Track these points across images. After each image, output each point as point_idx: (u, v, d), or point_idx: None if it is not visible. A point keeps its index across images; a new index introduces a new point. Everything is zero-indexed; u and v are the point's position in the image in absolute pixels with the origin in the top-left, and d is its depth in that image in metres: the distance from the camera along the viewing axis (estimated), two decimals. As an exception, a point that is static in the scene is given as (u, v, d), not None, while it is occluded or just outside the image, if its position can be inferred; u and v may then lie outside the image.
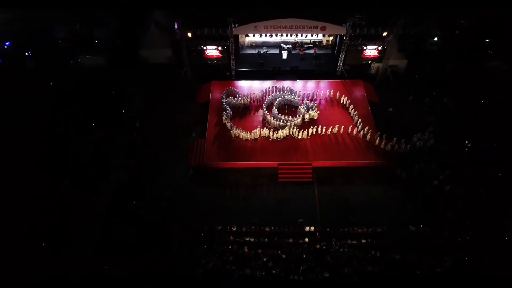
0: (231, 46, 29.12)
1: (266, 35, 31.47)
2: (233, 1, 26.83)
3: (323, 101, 28.70)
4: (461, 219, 21.07)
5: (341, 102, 28.48)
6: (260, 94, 28.39)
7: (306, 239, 20.45)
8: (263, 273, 18.88)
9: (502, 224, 20.66)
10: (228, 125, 26.01)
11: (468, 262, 19.38)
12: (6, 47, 33.36)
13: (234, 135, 25.63)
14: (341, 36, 29.08)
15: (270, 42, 33.14)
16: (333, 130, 25.72)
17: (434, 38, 33.61)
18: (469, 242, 20.06)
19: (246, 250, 19.98)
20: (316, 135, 25.75)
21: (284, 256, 19.63)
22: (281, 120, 25.91)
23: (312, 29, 28.02)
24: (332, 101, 28.87)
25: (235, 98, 27.98)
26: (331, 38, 32.53)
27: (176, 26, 31.88)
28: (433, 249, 19.87)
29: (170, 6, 29.80)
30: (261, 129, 25.48)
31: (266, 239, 20.49)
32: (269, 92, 28.44)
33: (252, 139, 25.48)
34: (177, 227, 20.84)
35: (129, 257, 19.10)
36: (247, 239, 20.55)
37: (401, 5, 28.48)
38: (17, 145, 24.62)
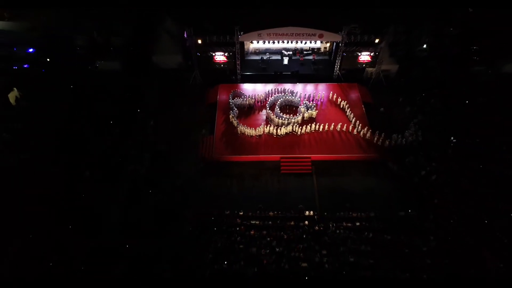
0: (237, 52, 31.68)
1: (269, 42, 33.97)
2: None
3: (320, 102, 30.98)
4: (445, 204, 23.20)
5: (338, 103, 30.83)
6: (263, 95, 30.79)
7: (306, 222, 22.56)
8: (268, 251, 20.97)
9: (482, 208, 22.81)
10: (235, 123, 28.33)
11: (451, 242, 21.45)
12: (29, 53, 35.91)
13: (240, 131, 27.94)
14: (337, 43, 31.63)
15: (273, 49, 35.69)
16: (330, 127, 28.00)
17: (423, 45, 36.19)
18: (452, 225, 22.16)
19: (253, 232, 22.07)
20: (315, 132, 28.02)
21: (286, 237, 21.73)
22: (283, 118, 28.22)
23: (310, 37, 30.59)
24: (330, 102, 31.21)
25: (241, 99, 30.36)
26: (328, 45, 35.03)
27: (185, 35, 34.61)
28: (419, 230, 21.98)
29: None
30: (265, 126, 27.79)
31: (270, 222, 22.59)
32: (271, 94, 30.83)
33: (257, 135, 27.75)
34: (190, 212, 22.94)
35: (147, 238, 21.25)
36: (253, 222, 22.65)
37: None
38: (44, 141, 26.96)
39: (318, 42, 34.58)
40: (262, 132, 27.84)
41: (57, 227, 21.66)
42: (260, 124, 28.04)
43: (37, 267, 19.77)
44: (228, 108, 29.85)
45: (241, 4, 28.66)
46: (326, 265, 20.39)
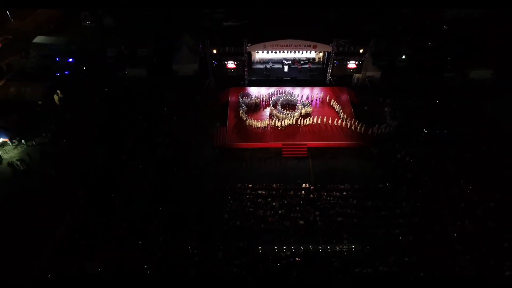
0: (245, 61, 37.31)
1: (272, 52, 39.11)
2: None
3: (315, 102, 36.26)
4: (416, 179, 28.12)
5: (330, 103, 36.11)
6: (267, 96, 36.17)
7: (303, 192, 27.40)
8: (272, 212, 25.80)
9: (445, 182, 27.75)
10: (244, 117, 33.59)
11: (420, 208, 26.26)
12: (69, 62, 41.69)
13: (248, 124, 33.15)
14: (329, 53, 37.27)
15: (275, 59, 41.32)
16: (323, 121, 33.19)
17: (402, 56, 41.94)
18: (420, 194, 27.02)
19: (259, 200, 26.90)
20: (310, 124, 33.22)
21: (286, 202, 26.58)
22: (284, 113, 33.49)
23: (306, 47, 36.29)
24: (323, 102, 36.46)
25: (248, 99, 35.73)
26: (321, 54, 40.61)
27: (200, 47, 40.53)
28: (394, 198, 26.84)
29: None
30: (269, 120, 33.08)
31: (273, 192, 27.45)
32: (274, 95, 36.16)
33: (262, 127, 32.95)
34: (210, 185, 27.85)
35: (175, 203, 26.16)
36: (260, 192, 27.51)
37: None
38: (86, 133, 32.24)
39: (313, 53, 40.16)
40: (266, 124, 33.03)
41: (101, 198, 26.64)
42: (265, 118, 33.30)
43: (88, 227, 24.65)
44: (237, 106, 35.15)
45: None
46: (319, 223, 25.19)
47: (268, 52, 38.42)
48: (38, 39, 43.21)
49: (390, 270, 22.50)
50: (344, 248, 23.13)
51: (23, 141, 31.59)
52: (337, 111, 34.77)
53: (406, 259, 23.07)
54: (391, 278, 21.90)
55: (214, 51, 36.86)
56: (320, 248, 23.05)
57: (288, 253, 23.23)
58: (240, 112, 34.08)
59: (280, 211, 25.96)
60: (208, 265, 22.47)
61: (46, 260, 22.67)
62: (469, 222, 25.04)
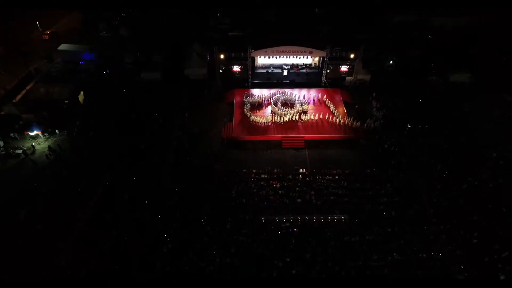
0: (249, 65, 41.44)
1: (273, 57, 43.25)
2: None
3: (311, 101, 40.18)
4: (399, 164, 31.80)
5: (325, 102, 40.03)
6: (268, 95, 40.15)
7: (300, 176, 31.06)
8: (273, 192, 29.42)
9: (423, 167, 31.39)
10: (248, 114, 37.48)
11: (402, 188, 29.85)
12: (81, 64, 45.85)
13: (252, 120, 36.99)
14: (323, 58, 41.40)
15: (275, 64, 45.45)
16: (319, 117, 37.03)
17: (390, 62, 46.12)
18: (402, 177, 30.66)
19: (262, 182, 30.55)
20: (307, 120, 37.05)
21: (286, 184, 30.22)
22: (284, 111, 37.38)
23: (303, 53, 40.48)
24: (319, 102, 40.37)
25: (252, 98, 39.71)
26: (317, 59, 44.70)
27: (208, 54, 44.80)
28: (380, 180, 30.47)
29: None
30: (271, 116, 36.99)
31: (274, 176, 31.11)
32: (275, 95, 40.13)
33: (264, 122, 36.81)
34: (219, 170, 31.56)
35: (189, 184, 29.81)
36: (263, 176, 31.18)
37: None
38: (107, 128, 36.10)
39: (310, 58, 44.28)
40: (268, 120, 36.90)
41: (124, 180, 30.33)
42: (267, 115, 37.21)
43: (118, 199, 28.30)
44: (242, 104, 39.07)
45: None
46: (314, 200, 28.78)
47: (269, 57, 42.58)
48: (62, 46, 47.50)
49: (375, 239, 25.98)
50: (335, 218, 26.62)
51: (57, 130, 35.44)
52: (331, 109, 38.62)
53: (389, 229, 26.58)
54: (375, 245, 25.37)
55: (222, 56, 40.99)
56: (314, 219, 26.54)
57: (288, 224, 26.76)
58: (245, 109, 38.00)
59: (280, 192, 29.58)
60: (218, 233, 25.97)
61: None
62: (444, 200, 28.61)
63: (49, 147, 33.71)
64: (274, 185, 29.98)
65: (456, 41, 50.05)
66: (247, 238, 25.80)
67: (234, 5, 52.61)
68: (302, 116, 37.15)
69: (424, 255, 25.03)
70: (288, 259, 24.39)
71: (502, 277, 23.54)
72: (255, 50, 39.91)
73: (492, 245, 25.31)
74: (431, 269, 24.13)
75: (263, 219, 26.66)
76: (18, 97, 40.74)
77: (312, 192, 29.36)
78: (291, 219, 26.75)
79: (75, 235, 25.80)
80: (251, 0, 50.50)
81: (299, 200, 28.85)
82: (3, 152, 33.57)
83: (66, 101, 39.89)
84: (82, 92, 41.28)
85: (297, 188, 29.74)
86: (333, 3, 52.45)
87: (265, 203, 28.63)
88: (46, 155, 33.27)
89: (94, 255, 24.30)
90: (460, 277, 23.56)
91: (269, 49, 39.91)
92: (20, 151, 33.51)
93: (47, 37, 53.73)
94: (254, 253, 24.76)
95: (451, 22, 54.96)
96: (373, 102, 38.04)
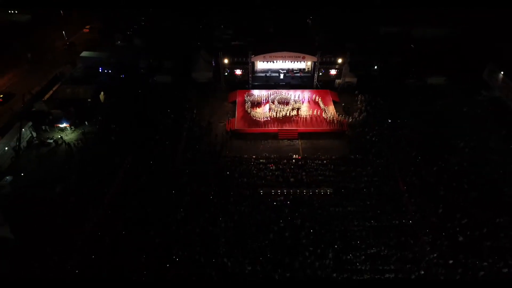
0: (250, 69, 46.49)
1: (270, 62, 48.20)
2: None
3: (305, 101, 45.04)
4: (379, 151, 36.39)
5: (316, 101, 44.86)
6: (267, 95, 45.04)
7: (293, 160, 35.62)
8: (270, 173, 33.93)
9: (401, 154, 35.96)
10: (249, 110, 42.27)
11: (380, 171, 34.35)
12: (109, 72, 51.00)
13: (252, 115, 41.75)
14: (315, 63, 46.47)
15: (273, 69, 50.43)
16: (312, 113, 41.76)
17: (374, 67, 51.23)
18: (382, 162, 35.19)
19: (261, 166, 35.08)
20: (300, 116, 41.78)
21: (281, 167, 34.75)
22: (280, 107, 42.18)
23: (297, 58, 45.60)
24: (311, 100, 45.22)
25: (252, 97, 44.59)
26: (309, 64, 49.69)
27: (213, 62, 49.95)
28: (362, 165, 34.99)
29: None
30: (269, 112, 41.77)
31: (271, 160, 35.67)
32: (272, 94, 45.02)
33: (263, 117, 41.57)
34: (224, 156, 36.15)
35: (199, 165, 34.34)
36: (261, 161, 35.72)
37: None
38: (126, 122, 40.83)
39: (303, 63, 49.39)
40: (267, 116, 41.66)
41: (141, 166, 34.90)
42: (265, 111, 42.02)
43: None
44: (244, 102, 43.92)
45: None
46: (305, 179, 33.25)
47: (267, 62, 47.68)
48: (84, 53, 52.74)
49: (356, 210, 30.38)
50: (322, 192, 31.10)
51: (86, 122, 40.31)
52: (322, 107, 43.43)
53: (368, 202, 31.00)
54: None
55: (226, 61, 46.12)
56: (304, 192, 31.02)
57: (282, 197, 31.21)
58: (246, 106, 42.84)
59: (276, 173, 34.11)
60: (223, 205, 30.38)
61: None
62: (416, 179, 33.10)
63: (81, 136, 38.58)
64: (271, 168, 34.51)
65: (434, 49, 55.32)
66: (248, 208, 30.19)
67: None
68: (296, 112, 41.92)
69: (397, 221, 29.39)
70: (282, 224, 28.74)
71: (460, 238, 27.83)
72: (255, 55, 44.99)
73: (454, 215, 29.69)
74: (401, 233, 28.42)
75: (261, 192, 31.10)
76: (47, 96, 45.63)
77: (304, 173, 33.86)
78: (285, 192, 31.21)
79: (103, 205, 30.21)
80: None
81: (292, 179, 33.32)
82: (37, 142, 38.29)
83: (89, 100, 44.78)
84: (102, 92, 46.13)
85: (290, 170, 34.21)
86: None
87: (263, 181, 33.08)
88: (74, 143, 37.93)
89: (120, 220, 28.73)
90: (425, 238, 27.81)
91: (267, 55, 45.03)
92: (51, 141, 38.19)
93: (66, 46, 59.14)
94: (253, 219, 29.12)
95: (430, 33, 60.37)
96: (358, 96, 43.01)
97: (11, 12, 73.82)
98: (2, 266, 25.02)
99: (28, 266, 24.85)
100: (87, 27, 66.60)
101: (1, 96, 45.21)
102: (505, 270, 25.58)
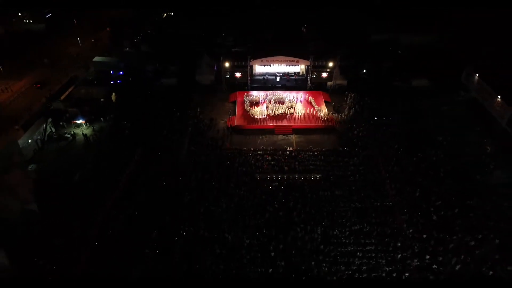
0: (248, 72, 50.40)
1: (267, 66, 52.09)
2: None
3: (299, 100, 48.85)
4: (365, 145, 39.99)
5: (309, 101, 48.64)
6: (264, 96, 48.85)
7: (288, 152, 39.20)
8: (267, 163, 37.48)
9: (384, 145, 39.55)
10: (248, 108, 46.04)
11: (366, 161, 37.89)
12: (120, 75, 54.94)
13: (251, 113, 45.48)
14: (308, 66, 50.42)
15: (270, 72, 54.33)
16: (306, 111, 45.48)
17: (364, 70, 55.18)
18: (367, 153, 38.75)
19: (258, 156, 38.65)
20: (295, 114, 45.50)
21: (276, 157, 38.32)
22: (276, 106, 45.94)
23: (292, 62, 49.58)
24: (304, 100, 49.02)
25: (251, 97, 48.37)
26: (303, 67, 53.58)
27: (215, 67, 53.94)
28: (349, 156, 38.57)
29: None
30: (266, 110, 45.53)
31: (268, 152, 39.23)
32: (269, 95, 48.84)
33: (261, 115, 45.28)
34: (225, 147, 39.78)
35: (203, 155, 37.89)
36: (259, 152, 39.27)
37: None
38: (135, 118, 44.55)
39: (298, 67, 53.33)
40: (264, 114, 45.39)
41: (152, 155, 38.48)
42: (263, 110, 45.80)
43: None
44: (243, 102, 47.68)
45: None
46: (297, 168, 36.78)
47: (265, 66, 51.65)
48: (97, 58, 56.76)
49: (342, 194, 33.84)
50: (312, 177, 34.62)
51: (102, 118, 44.02)
52: (314, 106, 47.19)
53: (353, 187, 34.47)
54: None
55: (227, 65, 50.10)
56: (296, 177, 34.54)
57: (277, 183, 34.72)
58: (245, 105, 46.62)
59: (272, 163, 37.67)
60: (224, 189, 33.85)
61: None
62: (397, 168, 36.62)
63: (93, 132, 42.20)
64: (267, 158, 38.08)
65: (419, 55, 59.38)
66: (246, 192, 33.65)
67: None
68: (291, 110, 45.70)
69: (378, 203, 32.83)
70: (276, 206, 32.18)
71: (434, 217, 31.23)
72: (254, 59, 48.96)
73: (429, 198, 33.11)
74: (382, 213, 31.84)
75: (258, 177, 34.64)
76: (63, 96, 49.43)
77: (296, 163, 37.42)
78: (279, 177, 34.73)
79: (118, 191, 33.68)
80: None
81: (286, 167, 36.86)
82: (56, 136, 41.95)
83: (102, 100, 48.56)
84: (114, 93, 49.94)
85: (284, 161, 37.77)
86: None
87: (260, 169, 36.61)
88: (89, 137, 41.60)
89: (133, 202, 32.21)
90: (403, 217, 31.21)
91: (264, 59, 48.99)
92: (69, 135, 41.86)
93: (75, 55, 62.84)
94: (251, 201, 32.57)
95: (417, 40, 64.51)
96: (348, 94, 46.96)
97: (26, 21, 78.52)
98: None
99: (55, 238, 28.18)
100: (108, 29, 72.00)
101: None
102: (472, 243, 28.87)
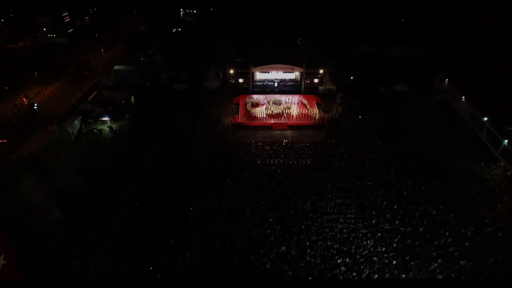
0: (250, 78, 57.09)
1: (266, 72, 58.86)
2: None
3: (294, 102, 55.29)
4: (350, 138, 46.14)
5: (303, 103, 55.06)
6: (264, 98, 55.34)
7: (284, 143, 45.34)
8: (265, 152, 43.58)
9: (367, 138, 45.69)
10: (250, 109, 52.48)
11: (350, 150, 43.96)
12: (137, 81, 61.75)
13: (253, 113, 51.85)
14: (302, 73, 57.11)
15: (269, 79, 61.03)
16: (300, 111, 51.83)
17: (351, 77, 61.92)
18: (352, 144, 44.86)
19: (258, 147, 44.79)
20: (290, 113, 51.86)
21: (274, 148, 44.45)
22: (274, 106, 52.35)
23: (288, 69, 56.33)
24: (299, 102, 55.43)
25: (252, 99, 54.88)
26: (298, 74, 60.22)
27: (221, 75, 60.74)
28: (336, 146, 44.67)
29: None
30: (266, 110, 51.94)
31: (267, 142, 45.37)
32: (268, 97, 55.34)
33: (261, 114, 51.63)
34: (229, 139, 45.98)
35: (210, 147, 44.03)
36: (259, 143, 45.40)
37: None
38: (152, 117, 50.95)
39: (293, 74, 60.00)
40: (264, 113, 51.75)
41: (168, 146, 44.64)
42: (263, 110, 52.22)
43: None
44: (245, 104, 54.14)
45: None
46: (292, 156, 42.83)
47: (264, 73, 58.42)
48: (117, 66, 63.69)
49: (329, 176, 39.76)
50: (303, 161, 40.69)
51: (127, 115, 50.42)
52: (307, 107, 53.59)
53: (338, 171, 40.44)
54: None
55: (231, 72, 56.85)
56: (290, 162, 40.62)
57: (274, 167, 40.75)
58: (248, 106, 53.09)
59: (270, 152, 43.77)
60: (230, 172, 39.84)
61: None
62: (375, 156, 42.68)
63: (111, 128, 48.47)
64: (266, 148, 44.23)
65: (400, 64, 66.29)
66: (248, 174, 39.64)
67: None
68: (287, 110, 52.13)
69: (358, 183, 38.71)
70: (273, 184, 38.10)
71: (404, 193, 37.08)
72: (254, 67, 55.71)
73: (403, 179, 39.02)
74: (361, 190, 37.72)
75: (258, 162, 40.73)
76: (89, 98, 56.00)
77: (291, 152, 43.51)
78: (276, 162, 40.82)
79: (140, 174, 39.68)
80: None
81: (282, 155, 42.95)
82: (85, 131, 48.25)
83: (123, 101, 55.08)
84: (133, 96, 56.53)
85: (281, 151, 43.90)
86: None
87: (260, 157, 42.68)
88: (116, 130, 47.89)
89: (154, 181, 38.18)
90: (379, 193, 37.07)
91: (264, 66, 55.75)
92: (96, 130, 48.17)
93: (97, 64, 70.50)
94: (252, 181, 38.52)
95: (400, 52, 71.57)
96: (337, 94, 53.50)
97: (50, 35, 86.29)
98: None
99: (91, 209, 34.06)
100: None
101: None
102: (434, 212, 34.65)
